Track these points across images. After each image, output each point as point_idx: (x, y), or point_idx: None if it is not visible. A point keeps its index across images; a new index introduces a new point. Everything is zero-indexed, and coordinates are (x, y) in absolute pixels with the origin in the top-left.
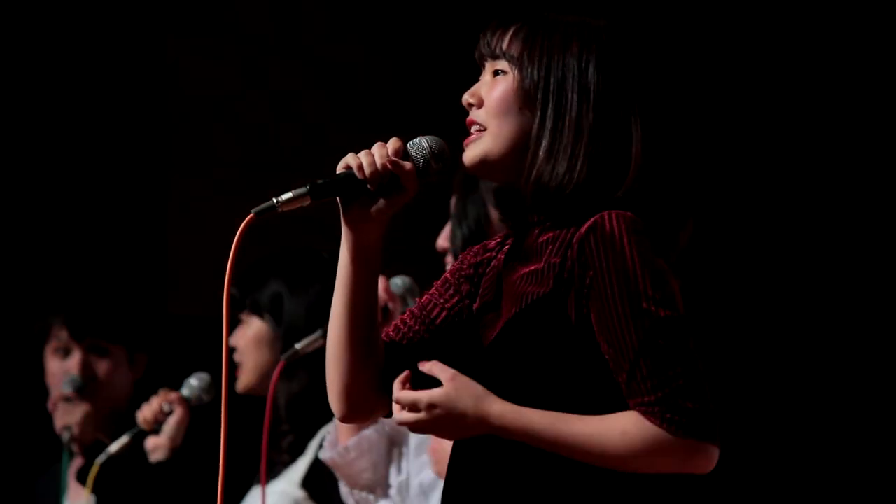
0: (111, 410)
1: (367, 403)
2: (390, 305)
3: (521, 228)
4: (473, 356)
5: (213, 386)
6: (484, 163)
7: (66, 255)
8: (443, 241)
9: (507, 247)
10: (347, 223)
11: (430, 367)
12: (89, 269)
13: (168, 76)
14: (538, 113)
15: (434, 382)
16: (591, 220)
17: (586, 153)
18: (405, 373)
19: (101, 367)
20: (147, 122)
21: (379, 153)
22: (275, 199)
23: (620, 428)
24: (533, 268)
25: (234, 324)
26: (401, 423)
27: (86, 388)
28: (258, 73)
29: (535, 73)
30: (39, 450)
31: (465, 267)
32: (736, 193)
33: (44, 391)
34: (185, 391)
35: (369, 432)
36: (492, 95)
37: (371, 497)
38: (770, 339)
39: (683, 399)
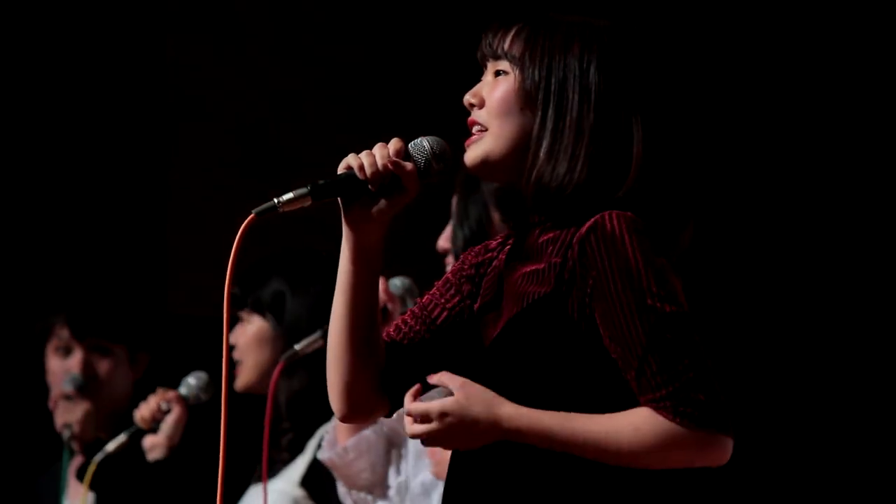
0: (112, 410)
1: (367, 403)
2: (389, 306)
3: (522, 228)
4: (474, 356)
5: (211, 385)
6: (485, 163)
7: (67, 255)
8: (443, 241)
9: (508, 247)
10: (348, 224)
11: (440, 378)
12: (90, 268)
13: (168, 76)
14: (539, 113)
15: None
16: (592, 220)
17: (587, 153)
18: (416, 386)
19: (103, 366)
20: (147, 122)
21: (380, 153)
22: (276, 200)
23: (633, 424)
24: (534, 268)
25: (233, 322)
26: (413, 436)
27: (87, 386)
28: (258, 73)
29: (537, 73)
30: (40, 449)
31: (466, 267)
32: (737, 194)
33: (45, 390)
34: (182, 390)
35: (368, 433)
36: (493, 96)
37: (369, 497)
38: (771, 339)
39: (695, 391)
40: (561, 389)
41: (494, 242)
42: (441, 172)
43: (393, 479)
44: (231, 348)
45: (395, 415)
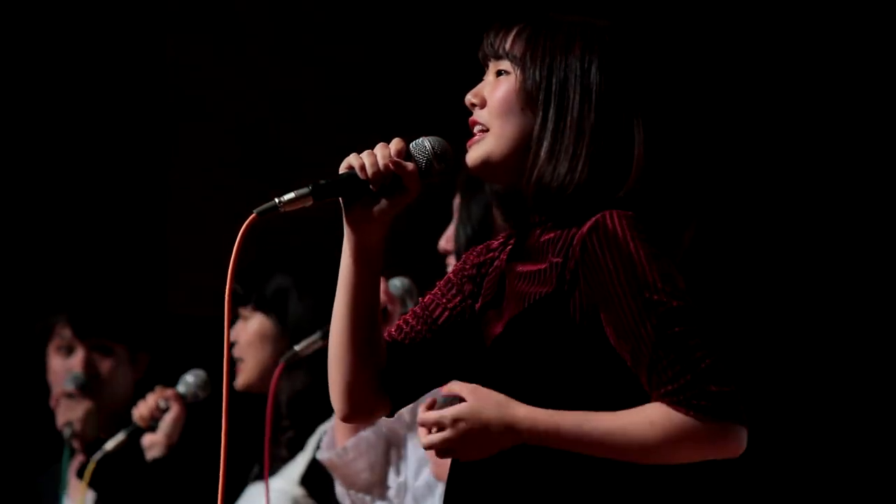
0: (113, 409)
1: (368, 403)
2: (389, 307)
3: (524, 228)
4: (475, 356)
5: (209, 383)
6: (486, 164)
7: (68, 255)
8: (445, 242)
9: (509, 247)
10: (349, 223)
11: (450, 388)
12: (91, 268)
13: (168, 76)
14: (540, 113)
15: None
16: (593, 219)
17: (588, 154)
18: (429, 400)
19: (104, 365)
20: (147, 122)
21: (381, 153)
22: (277, 200)
23: (647, 419)
24: (535, 268)
25: (233, 319)
26: (429, 446)
27: (88, 385)
28: (258, 73)
29: (538, 73)
30: (41, 448)
31: (467, 267)
32: (739, 194)
33: (45, 389)
34: (181, 388)
35: (367, 433)
36: (494, 96)
37: (368, 498)
38: (773, 339)
39: (707, 383)
40: (563, 389)
41: (496, 242)
42: (442, 173)
43: (393, 480)
44: (231, 345)
45: (395, 415)
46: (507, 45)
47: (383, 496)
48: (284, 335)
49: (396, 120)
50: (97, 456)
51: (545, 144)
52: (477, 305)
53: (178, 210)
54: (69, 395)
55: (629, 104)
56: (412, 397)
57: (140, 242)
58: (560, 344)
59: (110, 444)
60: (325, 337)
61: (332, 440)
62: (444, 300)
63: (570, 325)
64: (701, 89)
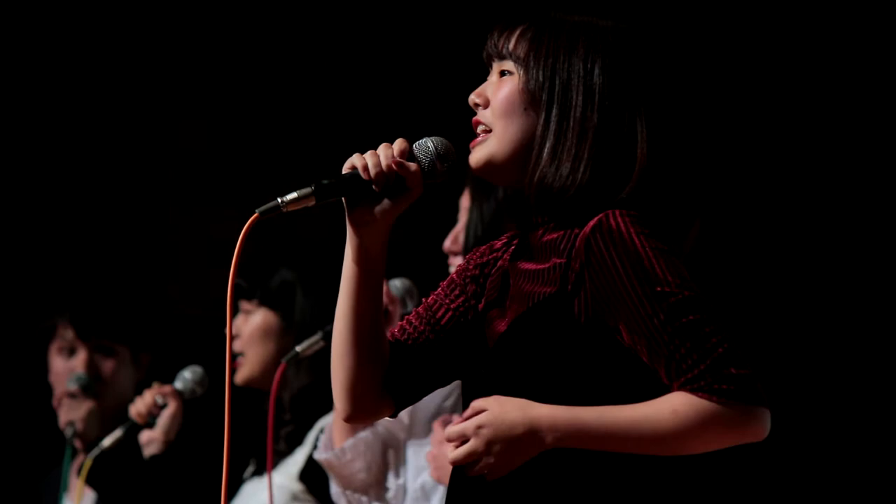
0: (115, 409)
1: (372, 404)
2: (390, 307)
3: (527, 228)
4: (479, 356)
5: (206, 379)
6: (490, 164)
7: (69, 256)
8: (450, 243)
9: (513, 247)
10: (352, 224)
11: (472, 406)
12: (93, 268)
13: (169, 76)
14: (543, 114)
15: None
16: (595, 219)
17: (590, 154)
18: (443, 417)
19: (106, 366)
20: (148, 123)
21: (384, 154)
22: (279, 199)
23: (670, 408)
24: (538, 267)
25: (234, 312)
26: (456, 461)
27: (91, 386)
28: (260, 73)
29: (541, 73)
30: (44, 448)
31: (470, 267)
32: (743, 193)
33: (48, 390)
34: (178, 384)
35: (365, 434)
36: (497, 96)
37: (364, 499)
38: (776, 339)
39: (727, 367)
40: (567, 388)
41: (499, 243)
42: (445, 173)
43: (392, 482)
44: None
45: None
46: (511, 46)
47: (380, 497)
48: (287, 331)
49: (399, 120)
50: (94, 453)
51: (548, 145)
52: (480, 305)
53: (180, 210)
54: (71, 396)
55: (632, 104)
56: (415, 398)
57: (142, 243)
58: (564, 344)
59: (107, 441)
60: (326, 338)
61: (329, 440)
62: (448, 300)
63: (575, 325)
64: (703, 89)
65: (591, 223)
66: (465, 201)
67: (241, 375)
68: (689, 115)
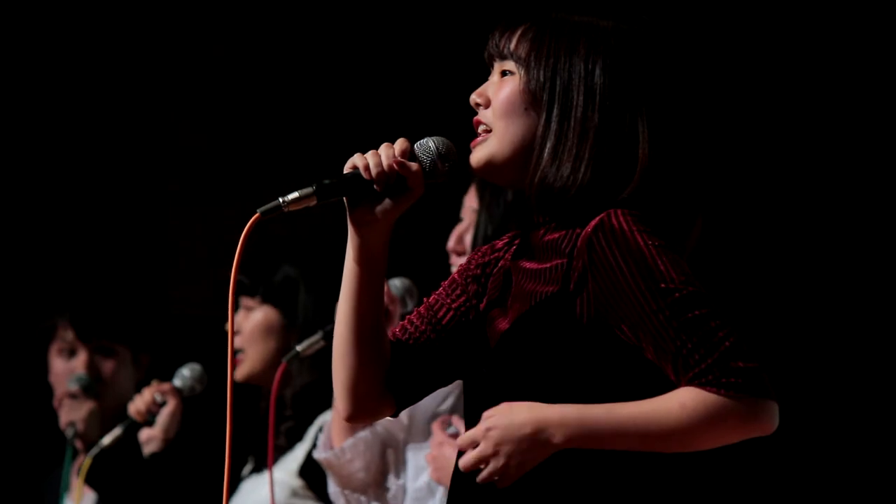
0: (115, 410)
1: (373, 403)
2: (390, 307)
3: (528, 228)
4: (480, 355)
5: (205, 376)
6: (490, 164)
7: (69, 256)
8: (454, 242)
9: (514, 247)
10: (353, 224)
11: (484, 416)
12: (93, 269)
13: (168, 76)
14: (543, 114)
15: None
16: (597, 219)
17: (591, 155)
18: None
19: (107, 367)
20: (148, 123)
21: (386, 154)
22: (281, 199)
23: (678, 402)
24: (540, 267)
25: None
26: (468, 467)
27: (92, 387)
28: (260, 73)
29: (542, 74)
30: (44, 449)
31: (472, 267)
32: (745, 193)
33: (48, 391)
34: (177, 382)
35: (364, 434)
36: (498, 96)
37: (363, 499)
38: (778, 337)
39: (735, 360)
40: (569, 388)
41: (501, 242)
42: (447, 173)
43: (392, 482)
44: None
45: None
46: (512, 46)
47: (379, 496)
48: (289, 328)
49: (400, 120)
50: (94, 451)
51: (548, 145)
52: (481, 305)
53: (180, 210)
54: (72, 396)
55: (633, 105)
56: (416, 397)
57: (142, 243)
58: (566, 343)
59: (107, 440)
60: (326, 337)
61: (328, 440)
62: (449, 300)
63: (577, 324)
64: (705, 88)
65: (593, 223)
66: (468, 200)
67: (242, 372)
68: (691, 114)
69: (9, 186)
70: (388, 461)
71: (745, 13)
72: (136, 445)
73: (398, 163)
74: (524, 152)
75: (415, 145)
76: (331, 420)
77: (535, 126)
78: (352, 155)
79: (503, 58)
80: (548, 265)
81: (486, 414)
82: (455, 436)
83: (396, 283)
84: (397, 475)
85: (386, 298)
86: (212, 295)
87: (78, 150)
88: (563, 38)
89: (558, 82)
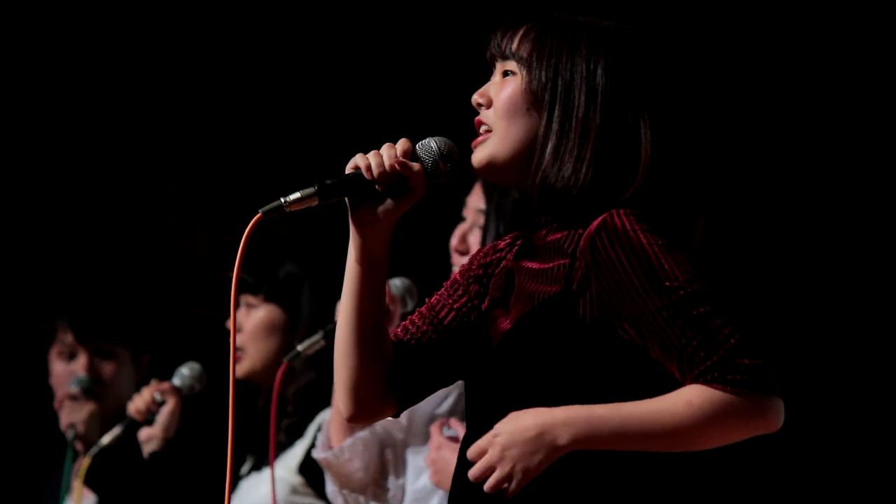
0: (116, 411)
1: (375, 403)
2: (390, 306)
3: (530, 228)
4: (482, 355)
5: (204, 375)
6: (492, 164)
7: (69, 257)
8: (457, 242)
9: (516, 247)
10: (355, 224)
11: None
12: (92, 270)
13: (168, 76)
14: (545, 114)
15: None
16: (599, 218)
17: (593, 155)
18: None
19: (107, 369)
20: (148, 123)
21: (387, 154)
22: (283, 199)
23: (684, 400)
24: (542, 267)
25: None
26: (478, 477)
27: (93, 389)
28: (260, 73)
29: (543, 74)
30: (46, 452)
31: (474, 267)
32: (746, 193)
33: (49, 393)
34: (176, 381)
35: (363, 434)
36: (500, 96)
37: (362, 498)
38: (780, 337)
39: (740, 357)
40: (571, 388)
41: (503, 243)
42: (448, 173)
43: (392, 483)
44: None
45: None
46: (514, 46)
47: (377, 496)
48: (292, 327)
49: (402, 120)
50: (93, 451)
51: (550, 145)
52: (483, 305)
53: (179, 211)
54: (73, 398)
55: (635, 105)
56: (418, 398)
57: (141, 244)
58: (569, 343)
59: (106, 439)
60: (327, 337)
61: (326, 439)
62: (451, 301)
63: (579, 325)
64: (707, 88)
65: (596, 223)
66: (472, 200)
67: (241, 370)
68: (693, 114)
69: (9, 186)
70: (386, 461)
71: (747, 13)
72: (136, 446)
73: (400, 163)
74: (526, 153)
75: (416, 145)
76: (329, 419)
77: (537, 126)
78: (353, 155)
79: (505, 58)
80: (550, 265)
81: (497, 426)
82: (453, 438)
83: (397, 283)
84: (396, 475)
85: (386, 298)
86: (212, 295)
87: (77, 150)
88: (564, 38)
89: (560, 82)
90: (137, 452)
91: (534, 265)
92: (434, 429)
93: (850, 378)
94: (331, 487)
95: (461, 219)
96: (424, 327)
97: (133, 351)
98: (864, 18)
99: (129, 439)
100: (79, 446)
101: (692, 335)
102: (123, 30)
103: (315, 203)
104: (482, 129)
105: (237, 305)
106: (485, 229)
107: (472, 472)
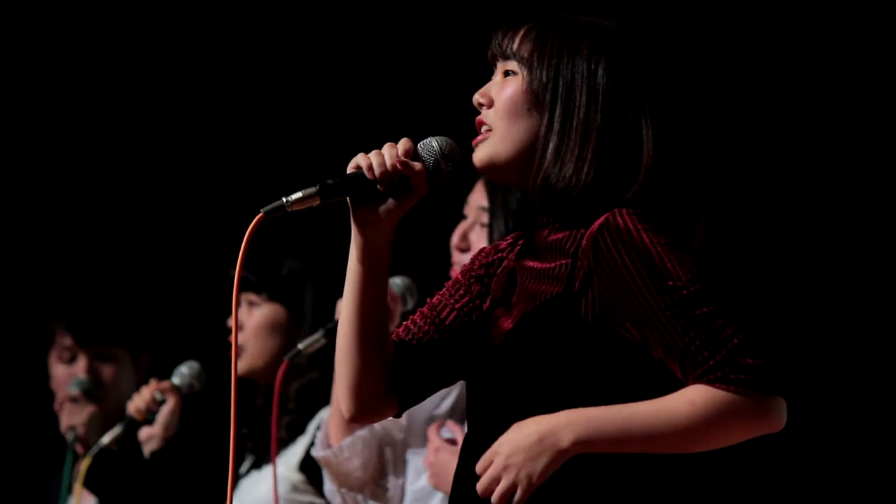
0: (116, 413)
1: (376, 403)
2: (391, 305)
3: (532, 228)
4: (484, 355)
5: (204, 373)
6: (492, 164)
7: (69, 257)
8: (458, 240)
9: (518, 247)
10: (357, 224)
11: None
12: (93, 270)
13: (168, 76)
14: (546, 114)
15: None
16: (602, 218)
17: (594, 155)
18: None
19: (107, 371)
20: (148, 123)
21: (389, 153)
22: (284, 199)
23: (687, 400)
24: (544, 267)
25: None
26: (485, 492)
27: (93, 391)
28: (261, 72)
29: (544, 74)
30: (47, 454)
31: (475, 267)
32: (748, 193)
33: (49, 396)
34: (175, 380)
35: (363, 433)
36: (501, 96)
37: (360, 497)
38: (783, 337)
39: (743, 357)
40: (574, 388)
41: (504, 243)
42: (450, 173)
43: (392, 482)
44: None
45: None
46: (515, 46)
47: (375, 495)
48: (294, 326)
49: (404, 120)
50: (94, 450)
51: (551, 146)
52: (485, 305)
53: (178, 211)
54: (73, 400)
55: (637, 104)
56: (420, 398)
57: (140, 244)
58: (571, 343)
59: (106, 439)
60: (328, 335)
61: (325, 439)
62: (452, 300)
63: (582, 324)
64: (708, 88)
65: (598, 222)
66: (474, 198)
67: (241, 367)
68: (694, 114)
69: (9, 187)
70: (385, 460)
71: (748, 13)
72: (135, 447)
73: (401, 162)
74: (527, 153)
75: (418, 145)
76: (328, 418)
77: (538, 126)
78: (354, 155)
79: (506, 58)
80: (552, 265)
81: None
82: (451, 440)
83: (397, 281)
84: (396, 475)
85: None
86: (212, 295)
87: (77, 150)
88: (565, 37)
89: (561, 82)
90: (137, 452)
91: (536, 265)
92: (431, 431)
93: (851, 378)
94: (328, 486)
95: (462, 217)
96: (426, 327)
97: (132, 352)
98: (864, 18)
99: (129, 439)
100: (79, 448)
101: (695, 335)
102: (123, 30)
103: (317, 203)
104: (483, 129)
105: (238, 304)
106: (490, 226)
107: (479, 486)
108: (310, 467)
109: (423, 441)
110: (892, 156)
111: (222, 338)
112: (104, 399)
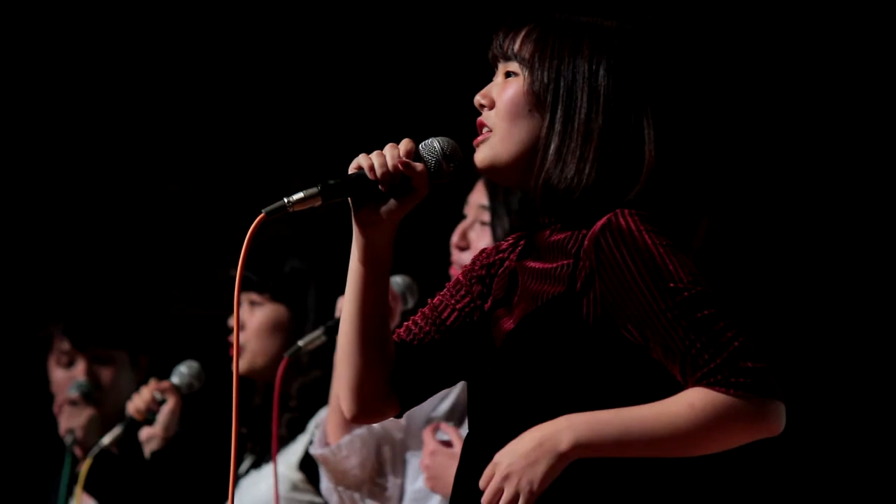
0: (116, 416)
1: (377, 403)
2: (391, 304)
3: (534, 229)
4: (485, 356)
5: (203, 373)
6: (494, 165)
7: (69, 257)
8: (458, 239)
9: (519, 248)
10: (358, 224)
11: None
12: (89, 271)
13: (168, 76)
14: (547, 115)
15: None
16: (604, 218)
17: (595, 156)
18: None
19: (106, 374)
20: (147, 123)
21: (390, 154)
22: (286, 199)
23: (687, 403)
24: (546, 267)
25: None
26: (491, 501)
27: (92, 394)
28: (261, 72)
29: (545, 75)
30: (46, 457)
31: (476, 268)
32: (750, 193)
33: (48, 398)
34: (175, 379)
35: (361, 432)
36: (502, 97)
37: (357, 496)
38: (783, 338)
39: (744, 360)
40: (574, 388)
41: (505, 244)
42: (451, 173)
43: (391, 481)
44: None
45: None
46: (516, 47)
47: (373, 493)
48: (297, 326)
49: (405, 120)
50: (94, 451)
51: (552, 147)
52: (486, 305)
53: (178, 211)
54: (72, 403)
55: (638, 105)
56: (421, 398)
57: (141, 244)
58: (572, 343)
59: (107, 439)
60: (328, 333)
61: (323, 437)
62: (453, 301)
63: (583, 325)
64: (710, 88)
65: (600, 223)
66: (474, 197)
67: (241, 366)
68: (696, 114)
69: (8, 187)
70: (384, 459)
71: (750, 13)
72: (136, 447)
73: (403, 163)
74: (528, 154)
75: (419, 145)
76: (326, 416)
77: (539, 127)
78: (355, 155)
79: (507, 59)
80: (554, 265)
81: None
82: (446, 443)
83: (397, 280)
84: (394, 474)
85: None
86: (212, 295)
87: (77, 150)
88: (566, 38)
89: (562, 83)
90: (138, 453)
91: (537, 265)
92: (427, 433)
93: (851, 381)
94: (325, 484)
95: (462, 216)
96: (427, 327)
97: (131, 354)
98: (864, 18)
99: (129, 439)
100: (77, 452)
101: (696, 337)
102: (123, 30)
103: (318, 203)
104: (484, 130)
105: (240, 304)
106: (493, 225)
107: (484, 501)
108: (310, 466)
109: (421, 442)
110: (892, 156)
111: (222, 338)
112: (103, 402)
